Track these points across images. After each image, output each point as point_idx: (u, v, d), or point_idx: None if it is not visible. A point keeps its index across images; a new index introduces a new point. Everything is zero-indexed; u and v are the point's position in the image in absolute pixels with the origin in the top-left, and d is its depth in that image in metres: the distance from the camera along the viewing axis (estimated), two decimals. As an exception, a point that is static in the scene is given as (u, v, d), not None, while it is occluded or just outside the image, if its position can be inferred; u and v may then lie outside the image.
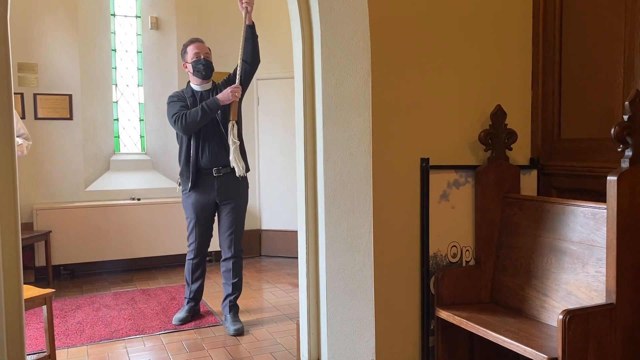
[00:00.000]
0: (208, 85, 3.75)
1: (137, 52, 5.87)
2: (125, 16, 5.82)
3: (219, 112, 3.60)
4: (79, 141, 5.39)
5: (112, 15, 5.73)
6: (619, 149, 2.00)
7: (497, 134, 2.64)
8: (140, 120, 5.91)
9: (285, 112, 5.72)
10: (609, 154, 2.39)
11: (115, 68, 5.78)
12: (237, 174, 3.60)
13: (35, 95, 5.19)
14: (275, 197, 5.99)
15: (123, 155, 5.80)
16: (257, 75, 5.54)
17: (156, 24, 5.77)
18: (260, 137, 6.02)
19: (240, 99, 3.72)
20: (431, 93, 2.57)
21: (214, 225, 3.84)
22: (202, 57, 3.68)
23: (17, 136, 4.12)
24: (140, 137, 5.92)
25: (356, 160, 2.46)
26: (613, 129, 1.97)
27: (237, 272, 3.74)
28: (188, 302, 3.86)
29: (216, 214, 3.81)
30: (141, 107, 5.89)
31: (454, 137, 2.64)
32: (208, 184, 3.65)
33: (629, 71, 2.36)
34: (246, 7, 3.51)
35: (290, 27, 2.69)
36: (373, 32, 2.40)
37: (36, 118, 5.20)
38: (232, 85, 3.58)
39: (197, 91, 3.72)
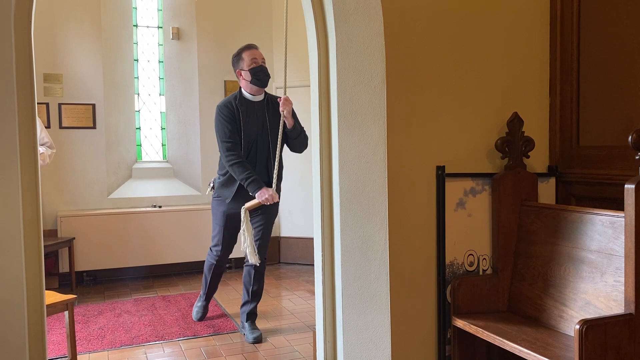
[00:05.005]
0: (261, 96, 3.67)
1: (159, 62, 5.97)
2: (148, 27, 5.93)
3: (268, 129, 3.58)
4: (102, 149, 5.49)
5: (134, 26, 5.85)
6: (637, 157, 1.97)
7: (513, 142, 2.62)
8: (162, 129, 6.00)
9: (304, 120, 5.71)
10: (628, 161, 2.35)
11: (138, 78, 5.89)
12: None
13: (60, 104, 5.31)
14: (295, 204, 6.02)
15: (145, 164, 5.90)
16: (277, 83, 5.63)
17: (177, 35, 5.87)
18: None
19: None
20: (447, 100, 2.57)
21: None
22: (260, 63, 3.57)
23: (41, 145, 4.22)
24: (162, 145, 6.01)
25: (371, 168, 2.46)
26: (630, 136, 1.95)
27: (258, 280, 3.76)
28: (205, 299, 4.03)
29: None
30: (163, 116, 5.99)
31: (470, 144, 2.63)
32: (245, 196, 3.63)
33: (649, 77, 2.33)
34: (282, 111, 3.53)
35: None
36: (388, 41, 2.41)
37: (61, 127, 5.31)
38: (271, 194, 3.52)
39: (250, 101, 3.65)
